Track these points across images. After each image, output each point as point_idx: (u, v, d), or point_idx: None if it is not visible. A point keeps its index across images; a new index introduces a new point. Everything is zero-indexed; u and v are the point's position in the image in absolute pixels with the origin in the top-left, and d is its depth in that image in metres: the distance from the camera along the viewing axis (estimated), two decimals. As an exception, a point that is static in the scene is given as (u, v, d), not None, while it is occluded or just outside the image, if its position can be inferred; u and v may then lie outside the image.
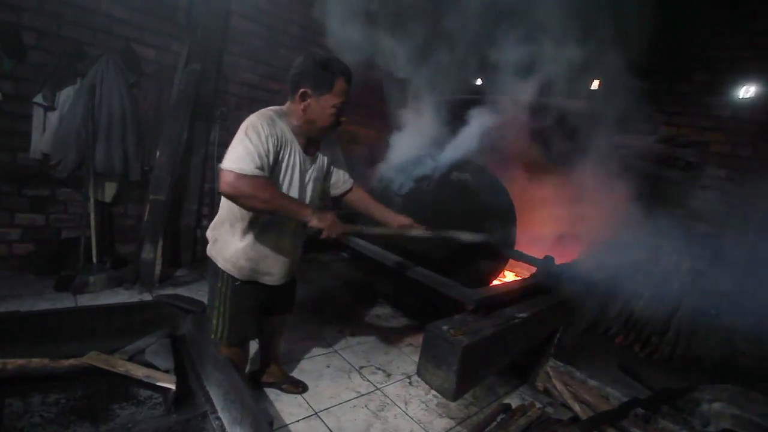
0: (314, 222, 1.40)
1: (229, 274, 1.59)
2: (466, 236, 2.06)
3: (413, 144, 2.93)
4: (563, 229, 3.67)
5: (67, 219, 2.93)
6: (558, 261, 2.73)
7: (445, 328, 1.62)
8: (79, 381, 1.49)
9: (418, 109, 3.09)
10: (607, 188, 3.69)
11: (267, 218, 1.53)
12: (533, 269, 2.74)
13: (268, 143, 1.37)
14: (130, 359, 1.66)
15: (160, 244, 2.95)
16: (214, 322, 1.64)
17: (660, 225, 3.50)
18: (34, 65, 2.60)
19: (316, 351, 2.52)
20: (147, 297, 2.78)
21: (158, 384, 1.53)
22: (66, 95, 2.67)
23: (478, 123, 2.99)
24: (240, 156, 1.32)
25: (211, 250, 1.64)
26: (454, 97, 3.57)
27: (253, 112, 1.49)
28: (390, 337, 2.85)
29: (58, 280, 2.66)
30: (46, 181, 2.77)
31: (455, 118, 3.15)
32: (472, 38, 3.11)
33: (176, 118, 3.02)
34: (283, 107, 1.53)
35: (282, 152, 1.45)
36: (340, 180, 1.82)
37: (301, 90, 1.44)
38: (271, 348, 2.05)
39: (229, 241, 1.57)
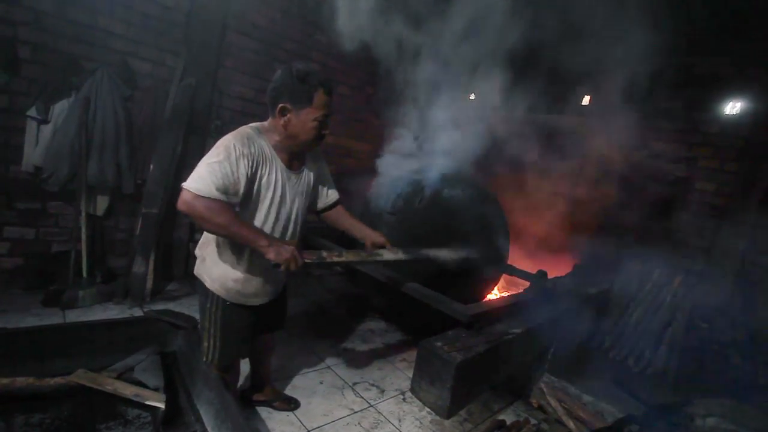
0: (271, 255, 1.33)
1: (217, 295, 1.56)
2: (445, 254, 1.92)
3: (402, 161, 2.95)
4: (556, 242, 3.69)
5: (58, 232, 2.89)
6: (551, 274, 2.75)
7: (438, 344, 1.61)
8: (65, 400, 1.46)
9: (408, 124, 3.12)
10: (599, 202, 3.75)
11: None
12: (527, 284, 2.75)
13: (238, 164, 1.33)
14: (119, 377, 1.63)
15: (152, 258, 2.92)
16: (205, 343, 1.60)
17: (652, 238, 3.54)
18: (29, 79, 2.59)
19: (308, 367, 2.48)
20: (138, 312, 2.74)
21: (147, 403, 1.51)
22: (60, 108, 2.67)
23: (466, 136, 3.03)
24: (202, 176, 1.28)
25: (199, 270, 1.60)
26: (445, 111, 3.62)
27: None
28: (384, 352, 2.82)
29: (47, 294, 2.62)
30: (37, 194, 2.74)
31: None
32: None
33: (170, 131, 3.02)
34: (264, 123, 1.50)
35: (260, 171, 1.41)
36: (325, 194, 1.80)
37: (280, 105, 1.40)
38: (263, 366, 2.01)
39: (216, 261, 1.54)
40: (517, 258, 3.16)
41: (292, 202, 1.56)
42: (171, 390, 1.63)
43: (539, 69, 3.50)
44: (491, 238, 2.72)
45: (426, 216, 2.69)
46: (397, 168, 2.94)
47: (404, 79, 3.24)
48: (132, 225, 3.10)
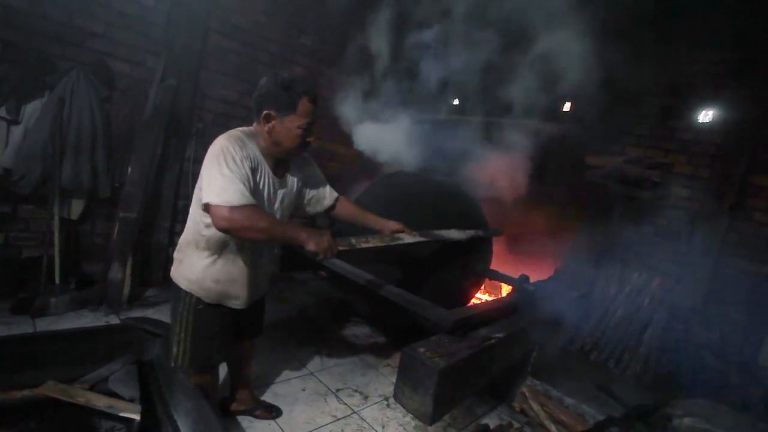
0: (311, 246, 1.35)
1: (192, 298, 1.52)
2: (455, 234, 2.15)
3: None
4: (537, 247, 3.74)
5: (29, 237, 2.78)
6: (533, 278, 2.78)
7: (421, 350, 1.61)
8: (33, 414, 1.40)
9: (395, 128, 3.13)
10: (579, 206, 3.82)
11: (236, 239, 1.47)
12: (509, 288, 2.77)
13: (245, 166, 1.34)
14: (92, 388, 1.58)
15: (130, 263, 2.84)
16: (174, 349, 1.55)
17: (630, 243, 3.62)
18: (-1, 77, 2.50)
19: (291, 373, 2.45)
20: (114, 319, 2.66)
21: (121, 414, 1.46)
22: (32, 109, 2.57)
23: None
24: (225, 188, 1.26)
25: (175, 272, 1.57)
26: (433, 117, 3.65)
27: (230, 128, 1.45)
28: (367, 357, 2.80)
29: (16, 302, 2.51)
30: (6, 197, 2.64)
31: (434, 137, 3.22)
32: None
33: (150, 133, 2.95)
34: (251, 128, 1.50)
35: (255, 173, 1.41)
36: (322, 196, 1.80)
37: (265, 112, 1.40)
38: (242, 373, 1.97)
39: (195, 263, 1.50)
40: (499, 262, 3.19)
41: (278, 207, 1.56)
42: (147, 400, 1.58)
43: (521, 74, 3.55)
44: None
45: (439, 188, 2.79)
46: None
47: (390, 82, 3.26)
48: (109, 229, 3.01)
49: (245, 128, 1.49)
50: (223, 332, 1.61)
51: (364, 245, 1.65)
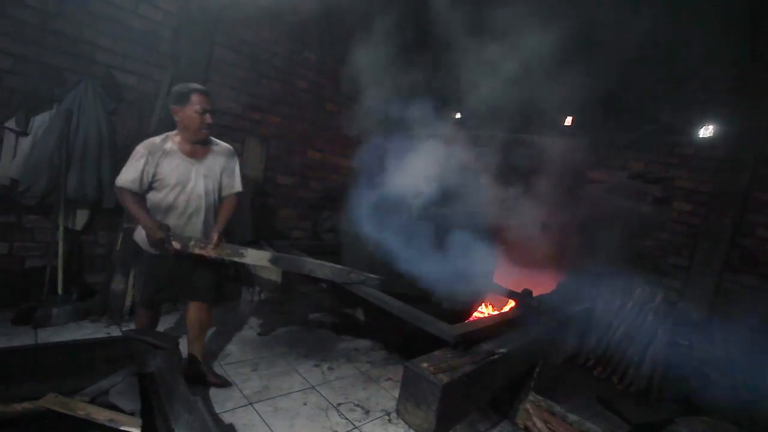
0: (145, 233, 2.03)
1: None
2: (326, 271, 1.89)
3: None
4: (540, 260, 3.73)
5: (33, 247, 2.79)
6: (535, 293, 2.77)
7: (424, 365, 1.59)
8: (33, 427, 1.39)
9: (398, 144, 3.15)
10: (582, 220, 3.81)
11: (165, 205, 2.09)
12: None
13: (141, 161, 1.98)
14: (92, 401, 1.57)
15: (132, 273, 2.84)
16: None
17: (632, 257, 3.61)
18: (9, 89, 2.54)
19: (292, 387, 2.43)
20: (115, 330, 2.65)
21: (121, 428, 1.44)
22: (41, 120, 2.61)
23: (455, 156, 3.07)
24: (122, 172, 2.00)
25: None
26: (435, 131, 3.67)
27: (234, 140, 1.57)
28: (369, 371, 2.78)
29: (18, 312, 2.51)
30: (12, 207, 2.66)
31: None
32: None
33: (155, 145, 2.98)
34: (174, 131, 2.11)
35: (162, 161, 2.01)
36: (225, 185, 2.26)
37: (172, 107, 2.05)
38: (193, 343, 2.31)
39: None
40: (502, 276, 3.18)
41: (195, 181, 2.10)
42: (148, 413, 1.57)
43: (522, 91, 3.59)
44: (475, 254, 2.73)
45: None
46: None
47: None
48: (112, 240, 3.02)
49: (168, 132, 2.11)
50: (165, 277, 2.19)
51: (197, 251, 2.05)
